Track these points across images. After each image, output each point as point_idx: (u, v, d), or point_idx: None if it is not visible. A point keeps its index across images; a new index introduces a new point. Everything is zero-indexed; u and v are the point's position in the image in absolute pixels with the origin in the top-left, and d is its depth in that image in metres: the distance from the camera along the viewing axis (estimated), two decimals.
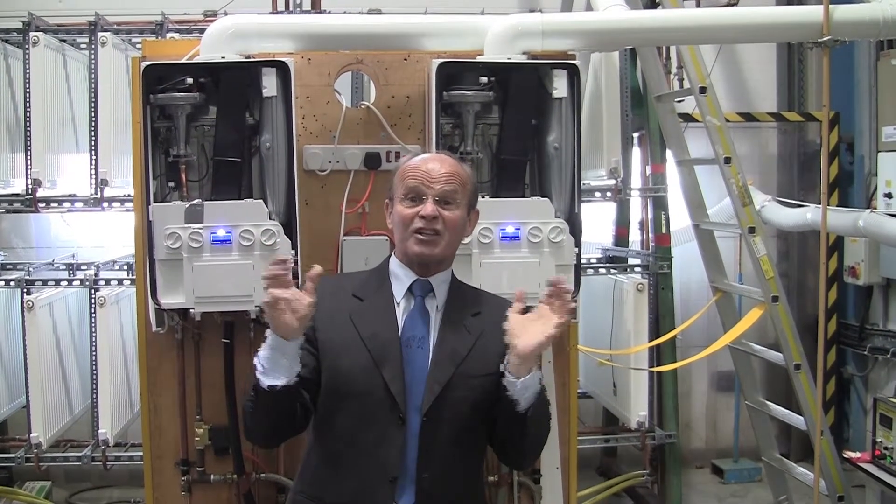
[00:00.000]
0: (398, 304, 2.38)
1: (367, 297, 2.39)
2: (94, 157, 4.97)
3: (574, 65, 3.35)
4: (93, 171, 4.98)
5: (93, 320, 4.95)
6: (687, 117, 5.65)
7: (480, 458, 2.50)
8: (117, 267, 5.27)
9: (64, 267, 5.27)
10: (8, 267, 5.43)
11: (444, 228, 2.34)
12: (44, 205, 5.03)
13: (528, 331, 2.15)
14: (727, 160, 4.33)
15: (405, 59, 3.53)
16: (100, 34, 4.91)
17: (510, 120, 3.41)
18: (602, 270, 5.46)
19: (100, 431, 4.87)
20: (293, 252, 3.24)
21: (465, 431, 2.33)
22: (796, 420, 4.62)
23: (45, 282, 5.06)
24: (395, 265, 2.43)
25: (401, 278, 2.40)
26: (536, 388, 2.22)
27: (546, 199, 3.39)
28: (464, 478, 2.40)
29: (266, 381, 2.15)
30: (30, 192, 4.94)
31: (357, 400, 2.29)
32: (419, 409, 2.28)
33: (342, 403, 2.31)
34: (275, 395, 2.15)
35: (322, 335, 2.33)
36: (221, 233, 3.19)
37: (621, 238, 6.12)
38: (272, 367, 2.15)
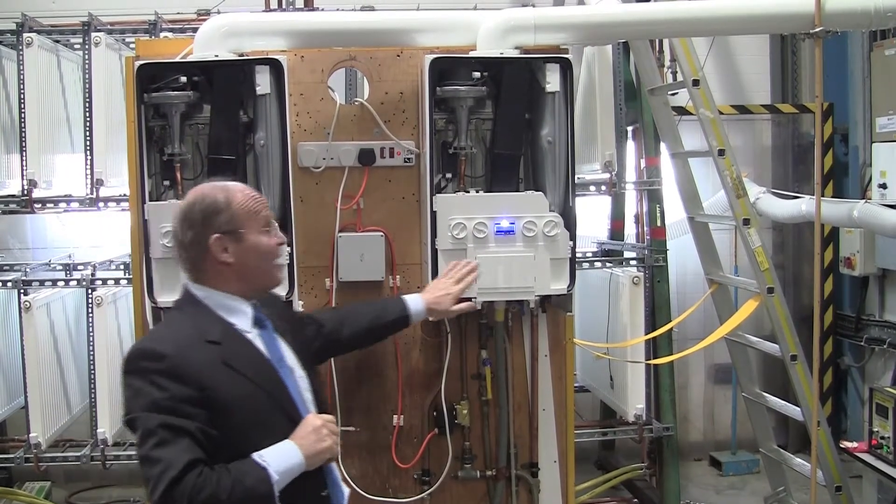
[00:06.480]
0: (247, 333, 2.38)
1: (219, 338, 2.32)
2: (89, 157, 4.98)
3: (567, 59, 3.36)
4: (88, 171, 4.99)
5: (90, 320, 4.97)
6: (681, 110, 5.66)
7: None
8: (114, 266, 5.27)
9: (61, 267, 5.27)
10: (5, 268, 5.43)
11: None
12: (40, 205, 5.06)
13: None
14: (721, 152, 4.34)
15: (398, 56, 3.54)
16: (93, 34, 4.92)
17: (503, 114, 3.42)
18: (598, 264, 5.48)
19: (98, 431, 4.89)
20: (288, 249, 3.25)
21: None
22: (793, 411, 4.63)
23: (41, 282, 5.08)
24: (219, 298, 2.37)
25: (235, 310, 2.38)
26: None
27: (540, 193, 3.39)
28: None
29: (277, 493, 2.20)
30: (25, 192, 4.96)
31: (266, 434, 2.28)
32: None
33: (250, 446, 2.25)
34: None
35: (217, 391, 2.22)
36: None
37: (616, 231, 6.13)
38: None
